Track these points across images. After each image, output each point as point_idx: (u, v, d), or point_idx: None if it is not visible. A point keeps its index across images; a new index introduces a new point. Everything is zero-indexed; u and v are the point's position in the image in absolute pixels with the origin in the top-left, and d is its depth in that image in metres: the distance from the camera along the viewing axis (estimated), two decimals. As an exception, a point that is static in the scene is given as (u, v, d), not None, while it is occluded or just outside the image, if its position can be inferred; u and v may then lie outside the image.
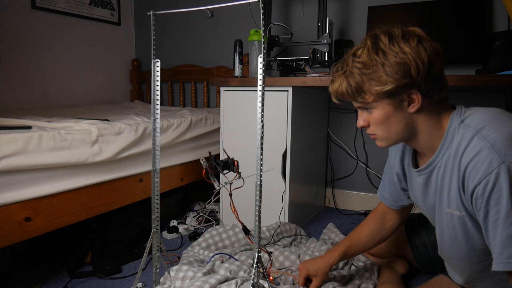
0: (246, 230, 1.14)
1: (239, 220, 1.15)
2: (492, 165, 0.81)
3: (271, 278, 1.11)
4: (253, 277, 1.02)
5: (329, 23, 1.92)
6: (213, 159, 1.09)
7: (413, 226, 1.43)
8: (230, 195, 1.09)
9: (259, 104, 0.99)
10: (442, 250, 1.08)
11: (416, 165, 1.08)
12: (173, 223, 1.99)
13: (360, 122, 0.98)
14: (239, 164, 1.08)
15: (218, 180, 1.11)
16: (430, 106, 0.92)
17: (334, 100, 1.00)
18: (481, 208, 0.84)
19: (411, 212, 1.57)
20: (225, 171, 1.08)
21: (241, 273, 1.34)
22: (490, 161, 0.81)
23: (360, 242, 1.27)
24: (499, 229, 0.82)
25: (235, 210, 1.10)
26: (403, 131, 0.94)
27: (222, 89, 1.97)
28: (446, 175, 0.94)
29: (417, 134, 0.96)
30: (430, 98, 0.90)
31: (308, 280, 1.25)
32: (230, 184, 1.08)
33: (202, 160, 1.09)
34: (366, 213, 2.24)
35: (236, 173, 1.08)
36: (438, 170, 0.96)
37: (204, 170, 1.08)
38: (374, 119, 0.94)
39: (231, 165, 1.07)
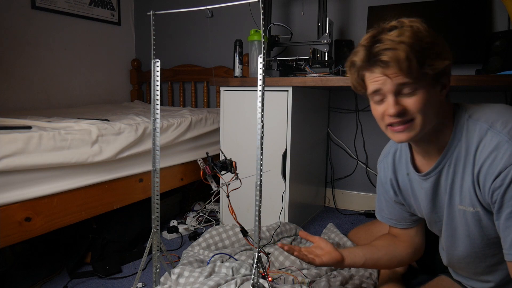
0: (244, 232, 1.14)
1: (237, 222, 1.15)
2: None
3: (270, 279, 1.11)
4: (253, 277, 1.02)
5: (329, 23, 1.92)
6: (211, 160, 1.08)
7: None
8: (228, 196, 1.09)
9: (259, 104, 0.99)
10: (453, 250, 1.04)
11: (417, 171, 1.03)
12: (173, 223, 1.99)
13: (395, 108, 0.86)
14: (237, 165, 1.08)
15: (217, 181, 1.10)
16: (443, 97, 0.92)
17: (388, 70, 0.85)
18: (497, 200, 0.84)
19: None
20: (223, 172, 1.07)
21: (242, 270, 1.35)
22: (510, 154, 0.81)
23: (379, 249, 1.15)
24: None
25: (232, 211, 1.10)
26: (436, 118, 0.90)
27: (222, 89, 1.97)
28: (457, 172, 0.92)
29: (434, 126, 0.92)
30: (445, 88, 0.91)
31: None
32: (227, 185, 1.07)
33: (199, 161, 1.08)
34: (366, 213, 2.24)
35: (233, 174, 1.07)
36: (448, 169, 0.94)
37: (201, 171, 1.07)
38: (417, 102, 0.85)
39: (229, 166, 1.06)
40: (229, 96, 1.95)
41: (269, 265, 1.41)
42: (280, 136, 1.83)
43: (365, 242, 1.25)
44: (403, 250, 1.16)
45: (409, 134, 0.90)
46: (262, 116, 1.00)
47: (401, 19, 0.87)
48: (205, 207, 2.23)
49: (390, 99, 0.87)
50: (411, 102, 0.86)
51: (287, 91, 1.79)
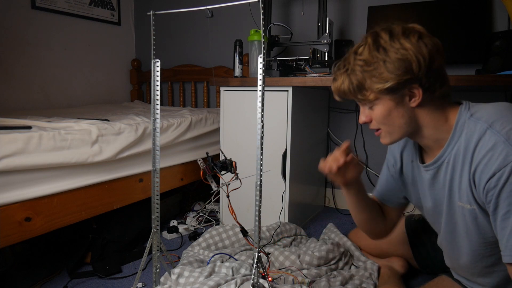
0: (244, 232, 1.14)
1: (237, 222, 1.15)
2: (508, 158, 0.81)
3: (270, 279, 1.11)
4: (253, 277, 1.02)
5: (329, 23, 1.92)
6: (211, 159, 1.08)
7: (413, 227, 1.43)
8: (228, 196, 1.09)
9: (259, 104, 0.99)
10: (453, 247, 1.05)
11: (422, 161, 1.07)
12: (173, 223, 1.99)
13: (362, 118, 0.99)
14: (237, 165, 1.08)
15: (217, 181, 1.10)
16: (432, 100, 0.93)
17: (336, 98, 1.00)
18: (492, 200, 0.84)
19: (411, 213, 1.58)
20: (223, 172, 1.07)
21: (242, 270, 1.35)
22: (505, 155, 0.81)
23: (371, 209, 1.25)
24: (510, 220, 0.82)
25: (232, 211, 1.10)
26: (406, 125, 0.95)
27: (222, 89, 1.97)
28: (456, 169, 0.93)
29: (421, 128, 0.95)
30: (431, 92, 0.91)
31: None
32: (227, 185, 1.07)
33: (199, 161, 1.08)
34: (366, 213, 2.24)
35: (233, 174, 1.07)
36: (447, 165, 0.95)
37: (201, 171, 1.07)
38: (376, 115, 0.95)
39: (229, 166, 1.06)
40: (229, 96, 1.95)
41: (269, 265, 1.41)
42: (280, 136, 1.83)
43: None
44: (381, 222, 1.26)
45: (384, 140, 0.99)
46: (262, 116, 1.00)
47: (368, 35, 0.92)
48: (205, 207, 2.23)
49: (361, 109, 1.00)
50: (373, 115, 0.96)
51: (287, 91, 1.79)
